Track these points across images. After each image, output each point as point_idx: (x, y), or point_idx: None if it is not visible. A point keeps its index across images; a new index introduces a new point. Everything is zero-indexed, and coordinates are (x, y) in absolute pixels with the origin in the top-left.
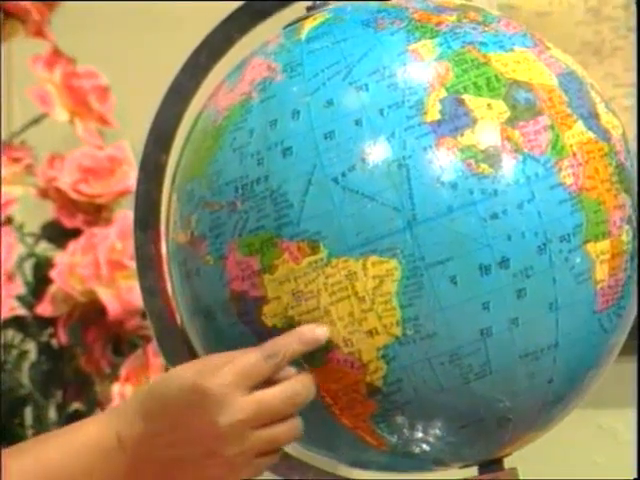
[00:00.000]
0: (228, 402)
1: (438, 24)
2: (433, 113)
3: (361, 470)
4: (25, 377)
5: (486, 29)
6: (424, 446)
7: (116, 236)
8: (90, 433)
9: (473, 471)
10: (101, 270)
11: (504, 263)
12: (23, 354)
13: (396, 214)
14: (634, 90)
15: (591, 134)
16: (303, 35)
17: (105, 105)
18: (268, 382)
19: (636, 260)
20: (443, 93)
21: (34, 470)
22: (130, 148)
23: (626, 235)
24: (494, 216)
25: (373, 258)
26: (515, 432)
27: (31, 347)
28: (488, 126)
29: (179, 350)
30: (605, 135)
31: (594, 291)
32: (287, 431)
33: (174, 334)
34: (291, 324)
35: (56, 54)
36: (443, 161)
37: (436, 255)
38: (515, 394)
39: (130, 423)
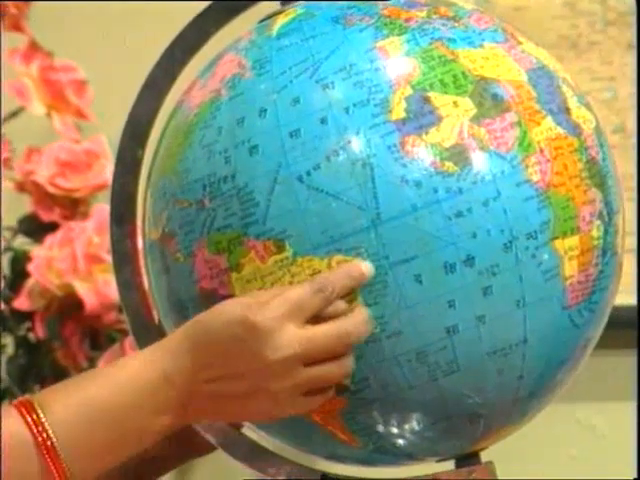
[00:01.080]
0: (277, 336)
1: (407, 20)
2: (398, 111)
3: (338, 464)
4: (2, 371)
5: (456, 25)
6: (395, 442)
7: (93, 230)
8: (135, 369)
9: (450, 465)
10: (78, 264)
11: (469, 261)
12: (0, 348)
13: (360, 213)
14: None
15: (560, 130)
16: (274, 31)
17: (82, 99)
18: (318, 318)
19: (609, 255)
20: (409, 91)
21: (79, 405)
22: (107, 142)
23: (597, 230)
24: (459, 214)
25: (338, 257)
26: (487, 427)
27: (8, 341)
28: (453, 124)
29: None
30: (575, 130)
31: (563, 287)
32: (337, 370)
33: (150, 328)
34: None
35: (33, 48)
36: (407, 159)
37: (400, 254)
38: (484, 390)
39: (175, 358)
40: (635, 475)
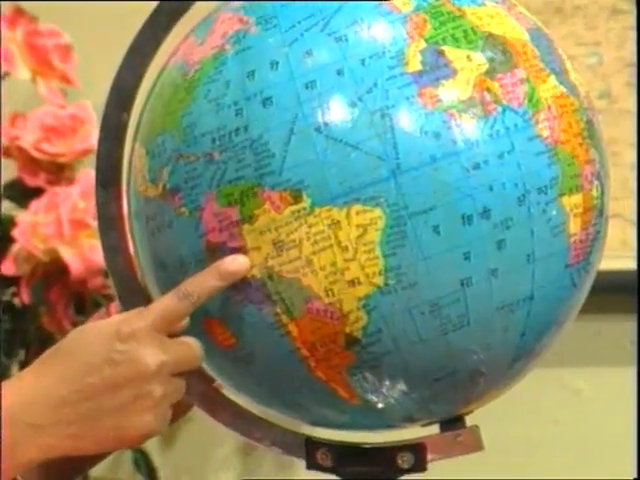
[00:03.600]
0: (151, 344)
1: None
2: (414, 64)
3: (322, 429)
4: None
5: None
6: (395, 399)
7: (78, 195)
8: None
9: (435, 429)
10: (63, 229)
11: (485, 213)
12: None
13: (380, 163)
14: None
15: (563, 89)
16: None
17: (67, 64)
18: None
19: (603, 216)
20: (423, 44)
21: None
22: (92, 107)
23: (596, 190)
24: (476, 166)
25: (357, 207)
26: (485, 386)
27: None
28: (468, 77)
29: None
30: (574, 91)
31: (568, 244)
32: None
33: (136, 293)
34: (270, 274)
35: (18, 13)
36: (426, 111)
37: (420, 204)
38: (489, 347)
39: (36, 384)
40: (635, 475)
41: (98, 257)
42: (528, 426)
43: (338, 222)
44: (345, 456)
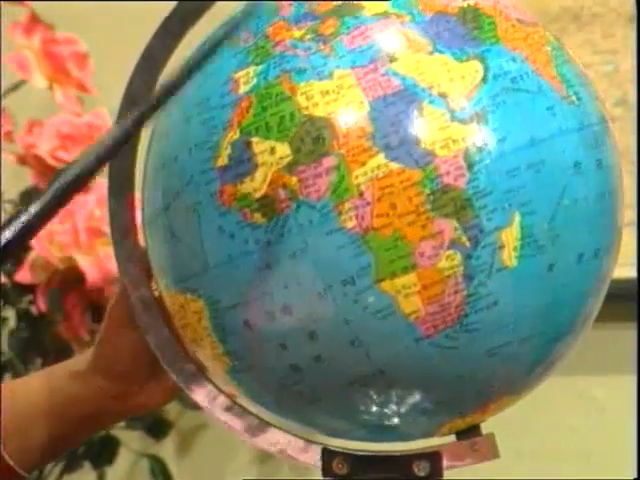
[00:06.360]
0: None
1: (277, 43)
2: (223, 157)
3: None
4: (4, 344)
5: (321, 48)
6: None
7: (95, 203)
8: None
9: (452, 437)
10: (80, 237)
11: (287, 309)
12: (2, 321)
13: (194, 257)
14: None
15: (394, 165)
16: None
17: (84, 72)
18: None
19: (483, 275)
20: (237, 135)
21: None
22: (109, 115)
23: (448, 260)
24: (268, 266)
25: (188, 296)
26: (449, 415)
27: (10, 314)
28: (266, 173)
29: (155, 318)
30: (423, 160)
31: (407, 322)
32: None
33: (150, 302)
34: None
35: (35, 20)
36: (224, 209)
37: (229, 300)
38: (359, 416)
39: None
40: (635, 475)
41: (114, 265)
42: (544, 432)
43: (182, 306)
44: (361, 464)
